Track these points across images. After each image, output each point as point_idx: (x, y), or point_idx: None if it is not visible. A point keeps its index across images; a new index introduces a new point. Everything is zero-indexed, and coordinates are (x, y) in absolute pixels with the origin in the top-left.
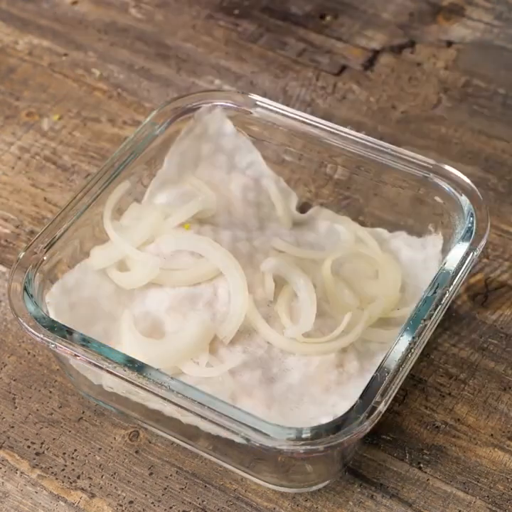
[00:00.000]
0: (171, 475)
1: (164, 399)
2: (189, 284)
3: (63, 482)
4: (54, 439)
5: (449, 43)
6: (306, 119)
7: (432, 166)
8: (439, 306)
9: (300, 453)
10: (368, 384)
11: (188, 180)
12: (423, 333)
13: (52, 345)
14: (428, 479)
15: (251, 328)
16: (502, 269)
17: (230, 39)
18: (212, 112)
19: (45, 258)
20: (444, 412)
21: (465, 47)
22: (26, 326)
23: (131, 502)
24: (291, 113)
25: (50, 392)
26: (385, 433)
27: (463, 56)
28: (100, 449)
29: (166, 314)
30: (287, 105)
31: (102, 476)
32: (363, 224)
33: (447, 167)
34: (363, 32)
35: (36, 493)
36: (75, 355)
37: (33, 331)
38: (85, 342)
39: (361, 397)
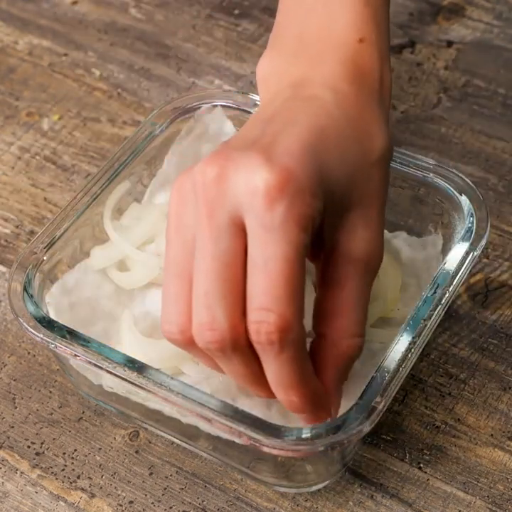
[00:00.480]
0: (171, 475)
1: (164, 399)
2: None
3: (63, 482)
4: (54, 439)
5: (449, 43)
6: None
7: (431, 166)
8: (439, 306)
9: (300, 453)
10: (368, 384)
11: None
12: (423, 333)
13: (52, 345)
14: (428, 479)
15: None
16: (502, 269)
17: (230, 39)
18: (212, 111)
19: (45, 258)
20: (444, 412)
21: (465, 47)
22: (26, 326)
23: (131, 502)
24: None
25: (50, 392)
26: (385, 433)
27: (463, 56)
28: (100, 449)
29: None
30: None
31: (102, 476)
32: None
33: (447, 167)
34: None
35: (36, 493)
36: (75, 355)
37: (33, 331)
38: (85, 342)
39: (361, 397)
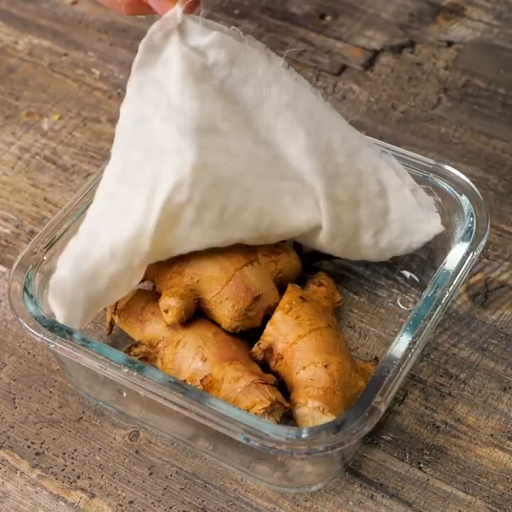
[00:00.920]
0: (171, 475)
1: (164, 399)
2: None
3: (63, 482)
4: (54, 439)
5: (449, 43)
6: None
7: (431, 166)
8: (439, 306)
9: (300, 453)
10: (368, 384)
11: None
12: (423, 333)
13: (52, 345)
14: (428, 479)
15: None
16: (502, 269)
17: None
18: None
19: (45, 258)
20: (444, 412)
21: (465, 47)
22: (26, 326)
23: (131, 502)
24: None
25: (50, 392)
26: (385, 433)
27: (463, 56)
28: (100, 449)
29: None
30: None
31: (102, 476)
32: None
33: (447, 167)
34: (363, 32)
35: (36, 493)
36: (75, 355)
37: (33, 331)
38: (85, 342)
39: (361, 397)
